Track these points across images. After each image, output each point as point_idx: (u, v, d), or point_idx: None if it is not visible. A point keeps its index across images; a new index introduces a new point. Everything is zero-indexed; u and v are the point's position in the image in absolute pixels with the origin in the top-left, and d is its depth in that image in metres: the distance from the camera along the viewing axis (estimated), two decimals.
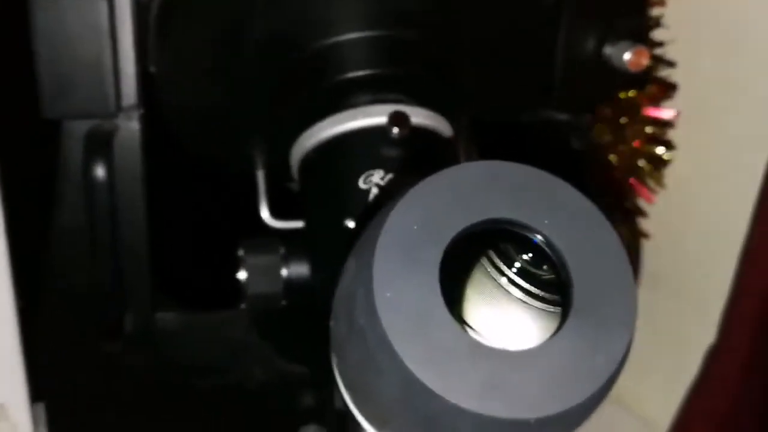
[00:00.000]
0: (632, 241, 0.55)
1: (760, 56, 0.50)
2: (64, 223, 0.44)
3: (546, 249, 0.23)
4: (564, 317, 0.22)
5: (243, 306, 0.39)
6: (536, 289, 0.25)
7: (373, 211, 0.34)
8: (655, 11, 0.53)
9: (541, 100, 0.47)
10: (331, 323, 0.25)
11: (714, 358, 0.51)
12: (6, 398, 0.51)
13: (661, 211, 0.57)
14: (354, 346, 0.23)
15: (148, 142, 0.43)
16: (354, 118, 0.37)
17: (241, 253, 0.39)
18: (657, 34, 0.53)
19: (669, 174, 0.56)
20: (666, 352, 0.56)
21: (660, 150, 0.55)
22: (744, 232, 0.51)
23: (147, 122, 0.43)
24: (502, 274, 0.26)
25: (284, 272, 0.39)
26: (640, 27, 0.46)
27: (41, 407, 0.51)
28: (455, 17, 0.42)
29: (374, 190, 0.35)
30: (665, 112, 0.54)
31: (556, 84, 0.45)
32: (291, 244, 0.39)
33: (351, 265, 0.24)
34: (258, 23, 0.40)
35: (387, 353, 0.21)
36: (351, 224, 0.35)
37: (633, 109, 0.54)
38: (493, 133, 0.44)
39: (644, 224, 0.57)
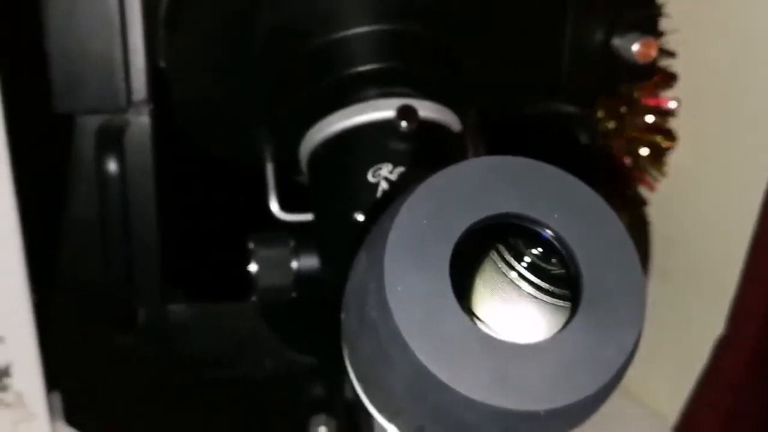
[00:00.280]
0: (640, 228, 0.55)
1: (763, 45, 0.50)
2: (76, 216, 0.44)
3: (555, 243, 0.23)
4: (573, 310, 0.22)
5: (253, 299, 0.40)
6: (546, 284, 0.25)
7: (382, 205, 0.34)
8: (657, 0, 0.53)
9: (548, 92, 0.47)
10: (342, 316, 0.26)
11: (722, 349, 0.51)
12: (23, 387, 0.52)
13: (663, 201, 0.57)
14: (365, 339, 0.23)
15: (158, 136, 0.44)
16: (362, 112, 0.37)
17: (251, 246, 0.39)
18: (659, 24, 0.53)
19: (671, 163, 0.56)
20: (673, 343, 0.56)
21: (660, 139, 0.55)
22: (750, 220, 0.50)
23: (157, 117, 0.43)
24: (512, 268, 0.26)
25: (294, 265, 0.39)
26: (649, 18, 0.45)
27: (57, 396, 0.52)
28: (462, 9, 0.42)
29: (383, 184, 0.35)
30: (666, 102, 0.55)
31: (563, 76, 0.45)
32: (300, 237, 0.40)
33: (362, 259, 0.24)
34: (266, 17, 0.40)
35: (398, 346, 0.22)
36: (360, 217, 0.35)
37: (633, 98, 0.54)
38: (501, 127, 0.44)
39: (647, 213, 0.57)
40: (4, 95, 0.45)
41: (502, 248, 0.26)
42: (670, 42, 0.53)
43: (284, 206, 0.43)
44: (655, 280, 0.56)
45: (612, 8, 0.44)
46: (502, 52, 0.44)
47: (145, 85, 0.42)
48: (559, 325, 0.22)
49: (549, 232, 0.23)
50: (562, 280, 0.25)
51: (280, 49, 0.40)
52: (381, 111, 0.37)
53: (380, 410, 0.25)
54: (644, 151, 0.54)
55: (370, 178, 0.35)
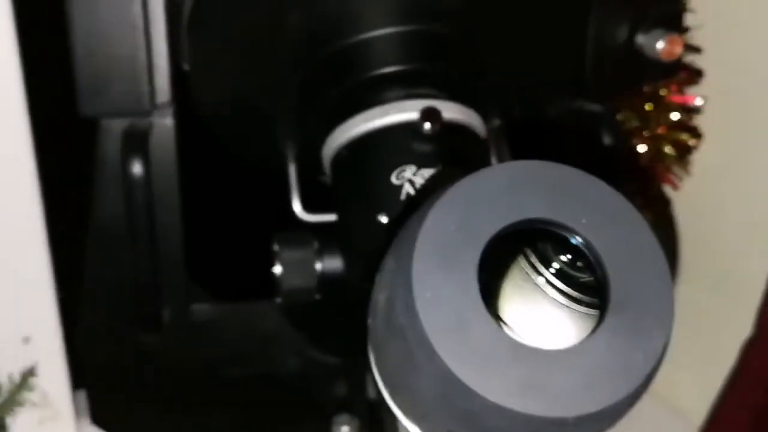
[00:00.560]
0: (666, 229, 0.54)
1: None
2: (101, 217, 0.45)
3: (583, 248, 0.23)
4: (602, 316, 0.22)
5: (278, 300, 0.40)
6: (573, 291, 0.25)
7: (407, 208, 0.34)
8: None
9: (573, 91, 0.46)
10: (369, 321, 0.26)
11: (750, 350, 0.51)
12: (49, 387, 0.52)
13: (689, 199, 0.56)
14: (393, 344, 0.23)
15: (182, 137, 0.44)
16: (386, 114, 0.37)
17: (275, 247, 0.39)
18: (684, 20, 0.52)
19: (696, 161, 0.55)
20: (700, 343, 0.56)
21: (685, 136, 0.54)
22: None
23: (181, 118, 0.44)
24: (539, 274, 0.26)
25: (318, 266, 0.39)
26: (673, 14, 0.45)
27: (83, 394, 0.53)
28: (486, 9, 0.41)
29: (407, 186, 0.35)
30: (692, 99, 0.54)
31: (587, 74, 0.45)
32: (324, 238, 0.40)
33: (389, 264, 0.24)
34: (290, 19, 0.40)
35: (427, 352, 0.22)
36: (384, 219, 0.35)
37: (658, 95, 0.54)
38: (525, 130, 0.44)
39: (673, 211, 0.57)
40: (30, 100, 0.46)
41: (529, 253, 0.26)
42: (695, 37, 0.53)
43: (308, 206, 0.43)
44: (681, 279, 0.56)
45: (637, 5, 0.44)
46: (526, 50, 0.43)
47: (169, 87, 0.43)
48: (586, 333, 0.22)
49: (577, 237, 0.23)
50: (589, 287, 0.25)
51: (305, 51, 0.40)
52: (404, 113, 0.37)
53: (406, 414, 0.25)
54: (669, 149, 0.54)
55: (394, 180, 0.35)
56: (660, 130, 0.54)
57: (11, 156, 0.47)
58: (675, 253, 0.54)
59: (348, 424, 0.49)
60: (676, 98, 0.53)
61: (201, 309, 0.48)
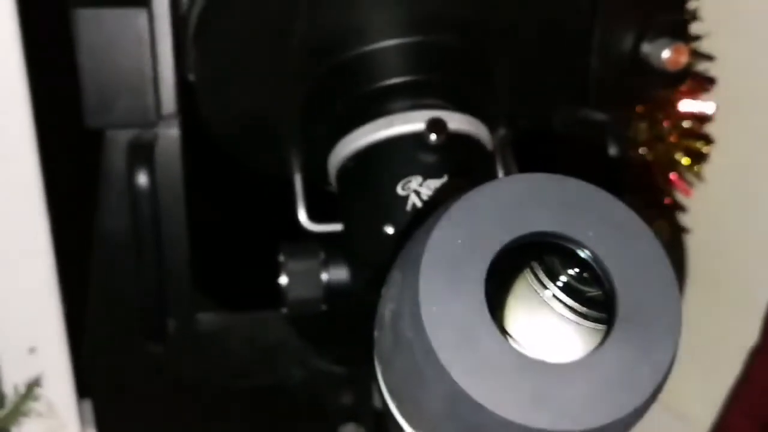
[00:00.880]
0: (675, 236, 0.54)
1: None
2: (106, 228, 0.45)
3: (591, 261, 0.23)
4: (609, 329, 0.22)
5: (284, 311, 0.40)
6: (580, 306, 0.25)
7: (413, 219, 0.34)
8: (691, 4, 0.52)
9: (578, 100, 0.46)
10: (376, 333, 0.26)
11: (756, 358, 0.51)
12: (54, 397, 0.52)
13: (699, 206, 0.56)
14: (400, 357, 0.23)
15: (188, 148, 0.44)
16: (392, 125, 0.37)
17: (281, 258, 0.39)
18: (694, 27, 0.52)
19: (708, 168, 0.55)
20: (707, 350, 0.56)
21: (698, 144, 0.54)
22: None
23: (186, 129, 0.44)
24: (546, 288, 0.26)
25: (324, 277, 0.39)
26: (679, 23, 0.45)
27: (88, 404, 0.53)
28: (491, 20, 0.41)
29: (413, 197, 0.35)
30: (704, 106, 0.54)
31: (592, 83, 0.45)
32: (330, 249, 0.40)
33: (396, 278, 0.24)
34: (296, 30, 0.40)
35: (434, 366, 0.22)
36: (390, 230, 0.35)
37: (669, 103, 0.54)
38: (531, 140, 0.44)
39: (684, 219, 0.57)
40: (36, 111, 0.46)
41: (536, 266, 0.26)
42: (705, 45, 0.53)
43: (314, 216, 0.43)
44: (688, 287, 0.56)
45: (642, 14, 0.44)
46: (531, 60, 0.43)
47: (175, 98, 0.43)
48: (592, 347, 0.22)
49: (584, 249, 0.23)
50: (596, 302, 0.25)
51: (311, 62, 0.41)
52: (410, 123, 0.37)
53: (413, 426, 0.25)
54: (681, 156, 0.54)
55: (400, 190, 0.35)
56: (672, 138, 0.54)
57: (17, 167, 0.47)
58: (682, 264, 0.54)
59: None
60: (688, 106, 0.53)
61: (206, 319, 0.48)
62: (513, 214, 0.23)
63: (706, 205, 0.55)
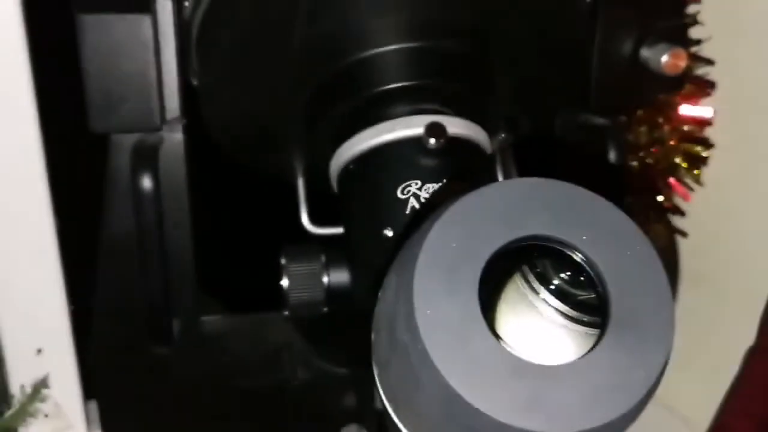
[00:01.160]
0: (669, 240, 0.54)
1: None
2: (112, 231, 0.45)
3: (584, 265, 0.23)
4: (602, 332, 0.23)
5: (285, 313, 0.40)
6: (571, 311, 0.25)
7: (411, 223, 0.35)
8: (691, 8, 0.52)
9: (578, 105, 0.46)
10: (373, 336, 0.26)
11: (753, 358, 0.51)
12: (61, 398, 0.53)
13: (700, 210, 0.56)
14: (396, 361, 0.24)
15: (192, 151, 0.45)
16: (392, 130, 0.37)
17: (282, 260, 0.40)
18: (693, 32, 0.52)
19: (707, 172, 0.55)
20: (704, 350, 0.56)
21: (697, 148, 0.54)
22: None
23: (190, 133, 0.44)
24: (536, 292, 0.26)
25: (325, 280, 0.39)
26: (678, 28, 0.45)
27: (94, 405, 0.53)
28: (491, 25, 0.42)
29: (412, 200, 0.36)
30: (703, 110, 0.54)
31: (592, 88, 0.45)
32: (331, 251, 0.40)
33: (391, 281, 0.24)
34: (298, 36, 0.41)
35: (428, 369, 0.22)
36: (390, 233, 0.36)
37: (669, 107, 0.54)
38: (530, 148, 0.44)
39: (683, 223, 0.57)
40: (42, 115, 0.47)
41: (527, 270, 0.26)
42: (704, 50, 0.53)
43: (316, 219, 0.43)
44: (686, 288, 0.56)
45: (641, 19, 0.44)
46: (531, 65, 0.44)
47: (179, 102, 0.43)
48: (582, 350, 0.22)
49: (577, 253, 0.23)
50: (588, 306, 0.25)
51: (313, 67, 0.41)
52: (410, 128, 0.37)
53: (410, 429, 0.25)
54: (681, 160, 0.54)
55: (400, 194, 0.36)
56: (671, 142, 0.54)
57: (24, 170, 0.48)
58: (675, 267, 0.54)
59: None
60: (688, 110, 0.53)
61: (211, 321, 0.49)
62: (508, 217, 0.23)
63: (705, 208, 0.56)
